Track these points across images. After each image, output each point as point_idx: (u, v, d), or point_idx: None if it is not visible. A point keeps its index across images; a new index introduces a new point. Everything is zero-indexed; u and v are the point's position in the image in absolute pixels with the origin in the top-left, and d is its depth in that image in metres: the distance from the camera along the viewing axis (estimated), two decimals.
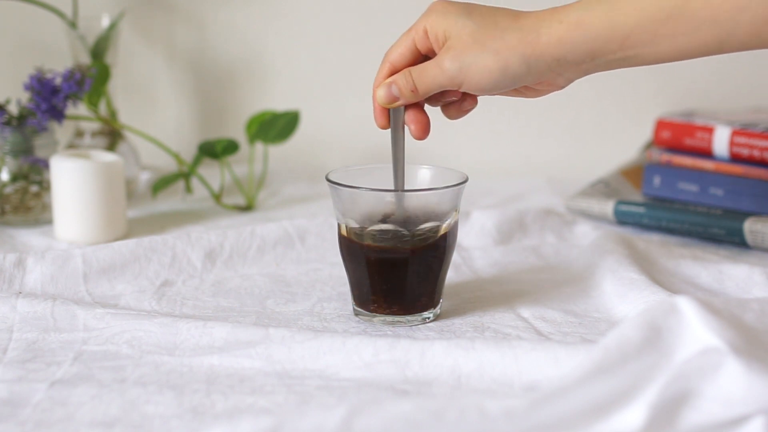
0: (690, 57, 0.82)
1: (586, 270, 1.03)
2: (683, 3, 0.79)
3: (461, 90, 0.87)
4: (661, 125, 1.23)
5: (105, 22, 1.31)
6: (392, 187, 0.90)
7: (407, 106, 0.89)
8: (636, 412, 0.68)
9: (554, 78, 0.85)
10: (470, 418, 0.66)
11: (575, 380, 0.69)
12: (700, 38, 0.80)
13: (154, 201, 1.30)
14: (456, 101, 0.89)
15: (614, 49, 0.82)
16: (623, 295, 0.94)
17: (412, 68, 0.87)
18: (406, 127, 0.90)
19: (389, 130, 0.90)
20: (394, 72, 0.88)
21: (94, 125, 1.31)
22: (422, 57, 0.88)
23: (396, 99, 0.87)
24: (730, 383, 0.69)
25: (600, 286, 0.98)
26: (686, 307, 0.75)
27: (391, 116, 0.89)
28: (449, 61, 0.84)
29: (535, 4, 0.88)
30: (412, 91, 0.87)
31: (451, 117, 0.90)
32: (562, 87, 0.87)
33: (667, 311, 0.76)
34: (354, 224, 0.89)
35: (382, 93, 0.88)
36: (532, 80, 0.85)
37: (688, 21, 0.79)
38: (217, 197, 1.27)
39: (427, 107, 0.90)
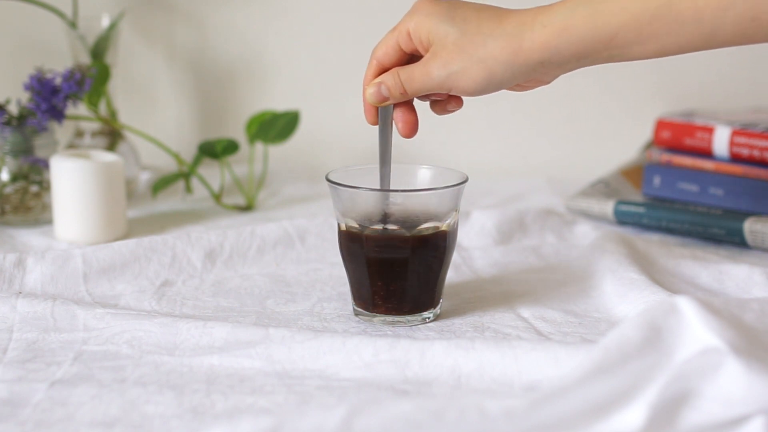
0: (676, 54, 0.82)
1: (586, 270, 1.03)
2: (668, 2, 0.79)
3: (450, 93, 0.87)
4: (661, 125, 1.23)
5: (105, 22, 1.31)
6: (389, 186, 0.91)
7: (396, 104, 0.89)
8: (636, 412, 0.68)
9: (540, 77, 0.86)
10: (470, 418, 0.66)
11: (575, 380, 0.69)
12: (685, 37, 0.79)
13: (154, 201, 1.30)
14: (441, 101, 0.90)
15: (599, 49, 0.81)
16: (623, 295, 0.94)
17: (400, 69, 0.87)
18: (394, 125, 0.90)
19: (377, 126, 0.90)
20: (382, 70, 0.89)
21: (94, 125, 1.31)
22: (408, 56, 0.88)
23: (385, 99, 0.88)
24: (730, 383, 0.69)
25: (600, 286, 0.98)
26: (686, 307, 0.75)
27: (380, 113, 0.90)
28: (436, 69, 0.85)
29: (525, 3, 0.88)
30: (402, 93, 0.87)
31: (437, 113, 0.91)
32: (549, 83, 0.87)
33: (667, 311, 0.76)
34: (354, 224, 0.89)
35: (371, 92, 0.88)
36: (518, 82, 0.86)
37: (672, 21, 0.79)
38: (217, 197, 1.27)
39: (416, 103, 0.91)
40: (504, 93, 1.55)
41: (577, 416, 0.68)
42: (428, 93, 0.88)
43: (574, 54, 0.82)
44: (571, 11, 0.81)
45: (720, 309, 0.76)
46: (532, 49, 0.82)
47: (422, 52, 0.86)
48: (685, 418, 0.68)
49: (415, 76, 0.86)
